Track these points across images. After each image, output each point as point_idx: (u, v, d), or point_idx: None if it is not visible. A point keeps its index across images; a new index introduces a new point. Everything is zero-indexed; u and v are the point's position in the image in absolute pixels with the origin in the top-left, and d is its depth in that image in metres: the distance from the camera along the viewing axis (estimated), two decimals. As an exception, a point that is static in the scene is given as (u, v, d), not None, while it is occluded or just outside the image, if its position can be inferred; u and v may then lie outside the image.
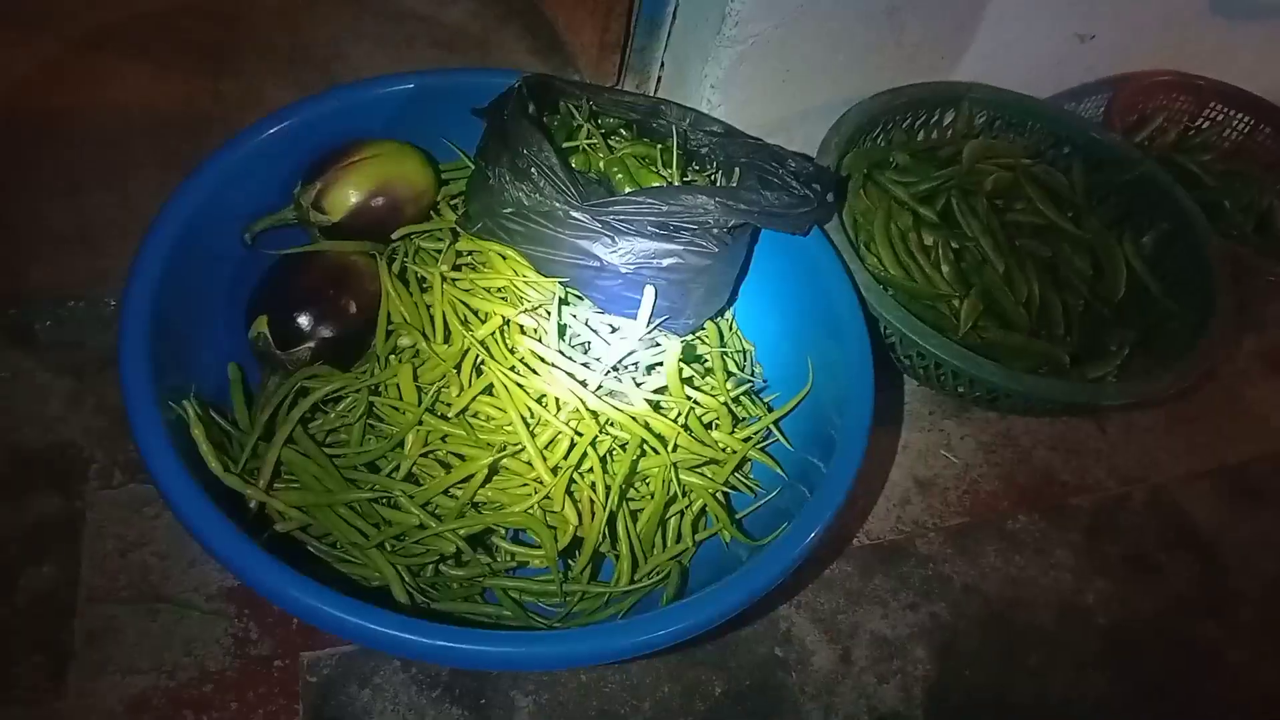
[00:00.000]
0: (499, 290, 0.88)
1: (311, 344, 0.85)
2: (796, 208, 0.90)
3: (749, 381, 0.95)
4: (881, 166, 1.14)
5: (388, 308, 0.87)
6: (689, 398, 0.86)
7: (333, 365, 0.86)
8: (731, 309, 1.01)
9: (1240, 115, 1.39)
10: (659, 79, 1.17)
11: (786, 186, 0.91)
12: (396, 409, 0.81)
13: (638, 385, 0.85)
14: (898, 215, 1.08)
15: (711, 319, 0.97)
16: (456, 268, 0.91)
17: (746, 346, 1.00)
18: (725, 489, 0.85)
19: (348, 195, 0.90)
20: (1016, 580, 0.97)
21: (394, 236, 0.92)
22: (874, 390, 0.84)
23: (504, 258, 0.89)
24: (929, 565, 0.96)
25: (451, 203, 0.97)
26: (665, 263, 0.87)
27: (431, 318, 0.85)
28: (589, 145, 0.94)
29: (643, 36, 1.13)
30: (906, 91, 1.17)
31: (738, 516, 0.88)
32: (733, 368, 0.95)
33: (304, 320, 0.85)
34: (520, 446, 0.79)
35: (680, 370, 0.86)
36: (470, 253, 0.91)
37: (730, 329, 1.00)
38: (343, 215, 0.90)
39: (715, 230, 0.88)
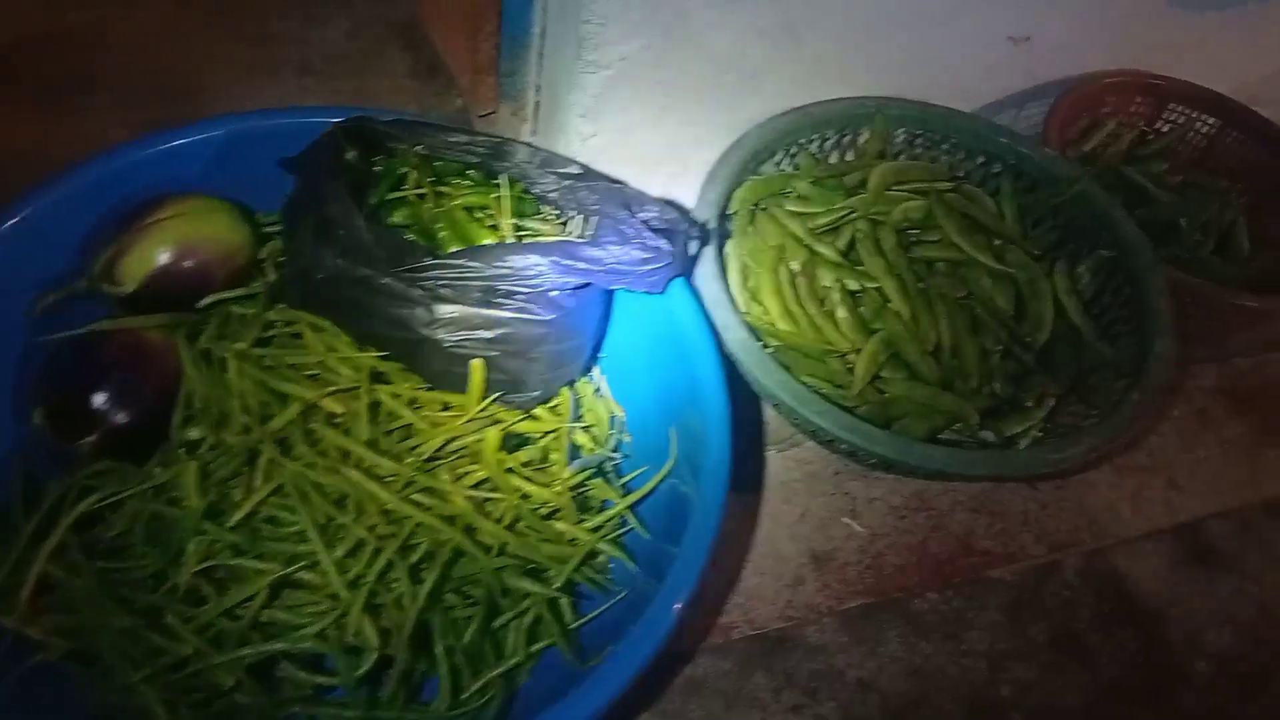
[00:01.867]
0: (309, 368, 0.80)
1: (95, 436, 0.77)
2: (648, 263, 0.81)
3: (609, 458, 0.86)
4: (780, 197, 1.04)
5: (185, 391, 0.79)
6: (518, 489, 0.77)
7: (129, 459, 0.78)
8: (600, 367, 0.92)
9: (1204, 118, 1.29)
10: (536, 106, 1.08)
11: (639, 238, 0.82)
12: (178, 514, 0.73)
13: (459, 477, 0.77)
14: (792, 254, 0.99)
15: (570, 384, 0.88)
16: (267, 341, 0.82)
17: (617, 412, 0.91)
18: (558, 594, 0.76)
19: (145, 260, 0.83)
20: (920, 672, 0.88)
21: (200, 305, 0.84)
22: (729, 468, 0.76)
23: (318, 329, 0.81)
24: (819, 657, 0.88)
25: (279, 261, 0.89)
26: (494, 333, 0.79)
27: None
28: (417, 196, 0.84)
29: (509, 60, 1.04)
30: (812, 110, 1.08)
31: (588, 617, 0.79)
32: (589, 442, 0.86)
33: (90, 407, 0.78)
34: (315, 559, 0.71)
35: (510, 458, 0.77)
36: (286, 323, 0.83)
37: (598, 392, 0.91)
38: (139, 283, 0.83)
39: (553, 293, 0.79)
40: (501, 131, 1.10)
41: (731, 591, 0.92)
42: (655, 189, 1.11)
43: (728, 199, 1.01)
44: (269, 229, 0.90)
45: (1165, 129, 1.31)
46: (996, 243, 1.05)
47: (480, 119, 1.12)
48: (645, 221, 0.84)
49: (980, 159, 1.13)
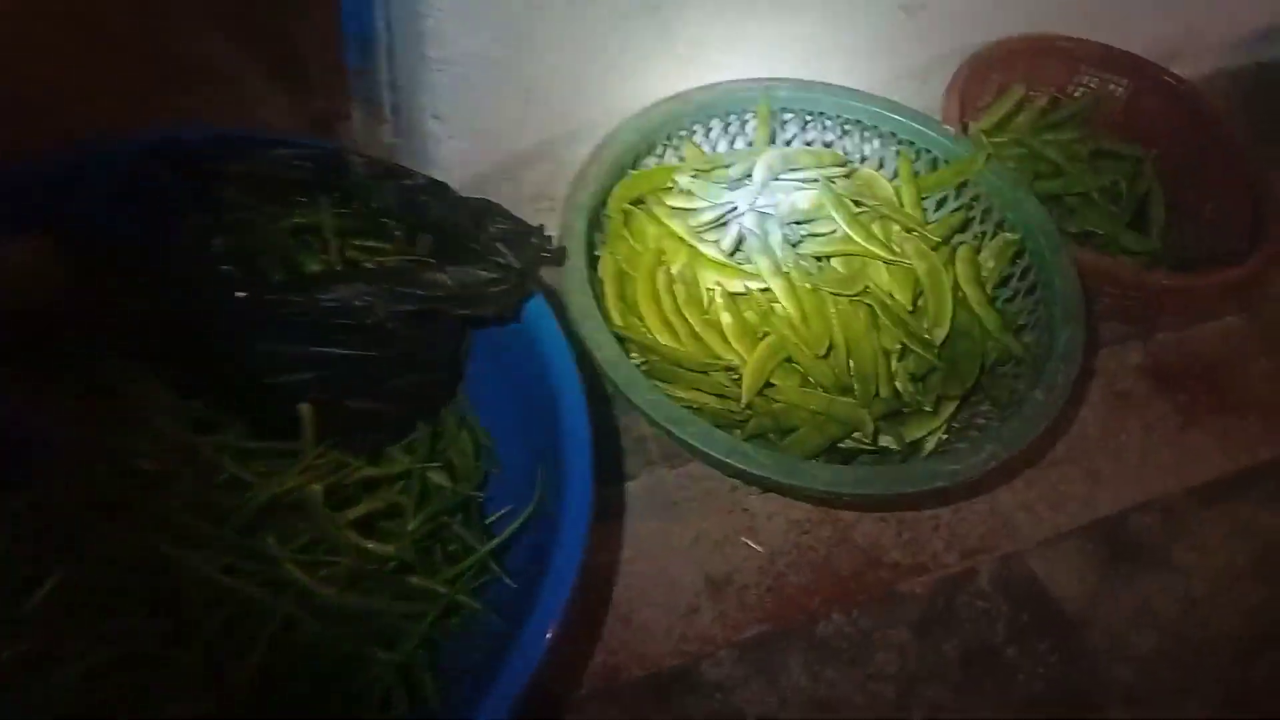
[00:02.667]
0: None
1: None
2: (497, 284, 0.74)
3: (472, 498, 0.80)
4: (661, 193, 0.97)
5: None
6: (359, 544, 0.70)
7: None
8: (466, 394, 0.85)
9: (1118, 80, 1.23)
10: (394, 107, 1.00)
11: (486, 256, 0.75)
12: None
13: (290, 537, 0.70)
14: (673, 255, 0.92)
15: (430, 419, 0.81)
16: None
17: (485, 442, 0.84)
18: (407, 658, 0.70)
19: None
20: (825, 703, 0.83)
21: None
22: (590, 504, 0.70)
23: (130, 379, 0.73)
24: (717, 695, 0.82)
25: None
26: (327, 372, 0.72)
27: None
28: (239, 221, 0.77)
29: (355, 58, 0.97)
30: (692, 97, 1.01)
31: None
32: (448, 481, 0.79)
33: None
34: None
35: (342, 514, 0.70)
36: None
37: (463, 421, 0.84)
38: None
39: (389, 324, 0.72)
40: (358, 139, 1.02)
41: (620, 628, 0.86)
42: (529, 191, 1.04)
43: (603, 199, 0.94)
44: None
45: (1078, 94, 1.25)
46: (896, 229, 0.99)
47: (335, 126, 1.03)
48: (495, 236, 0.78)
49: (876, 140, 1.06)
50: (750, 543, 0.92)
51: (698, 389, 0.87)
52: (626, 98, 0.99)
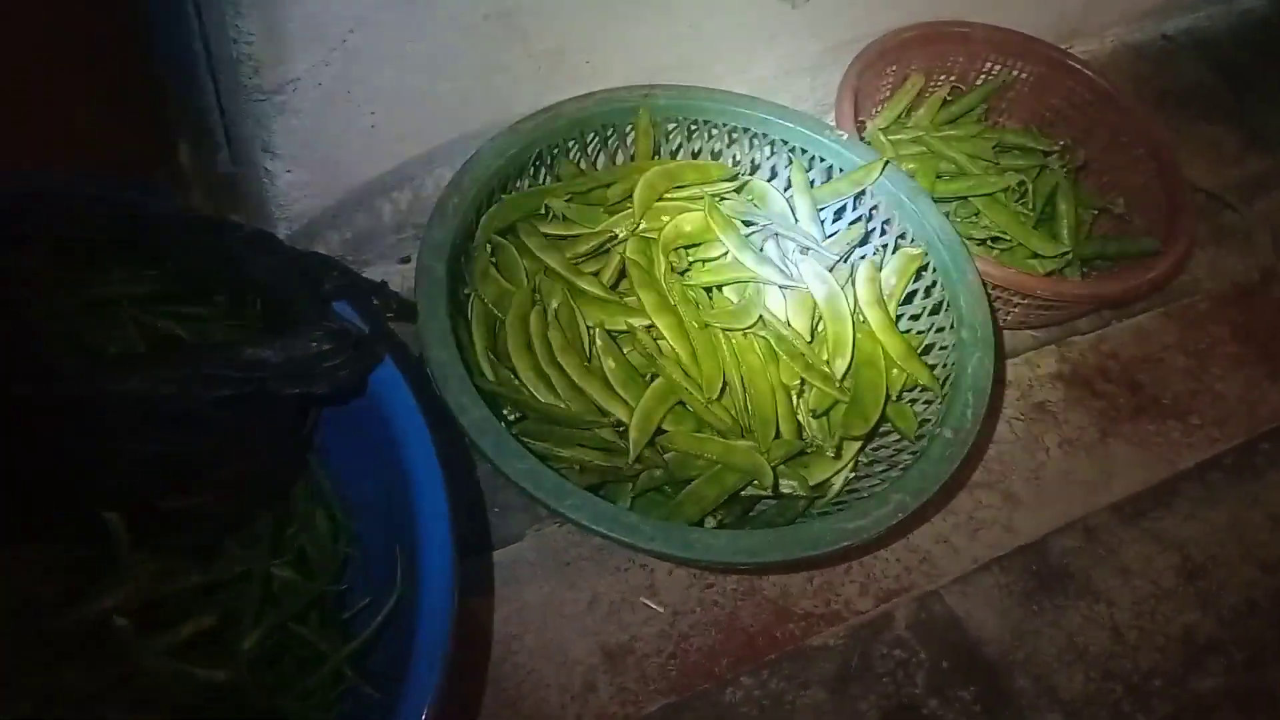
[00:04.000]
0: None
1: None
2: (329, 358, 0.66)
3: (327, 592, 0.71)
4: (535, 220, 0.89)
5: None
6: (183, 671, 0.61)
7: None
8: (321, 464, 0.76)
9: (1020, 65, 1.18)
10: (228, 139, 0.89)
11: (318, 321, 0.67)
12: None
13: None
14: (549, 293, 0.84)
15: (269, 505, 0.72)
16: None
17: (343, 521, 0.76)
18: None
19: None
20: (736, 783, 0.77)
21: None
22: (451, 592, 0.63)
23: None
24: (617, 785, 0.75)
25: None
26: (122, 475, 0.63)
27: None
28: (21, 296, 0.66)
29: (180, 86, 0.85)
30: (563, 110, 0.93)
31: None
32: (295, 576, 0.70)
33: None
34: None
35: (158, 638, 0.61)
36: None
37: (316, 497, 0.76)
38: None
39: (203, 411, 0.63)
40: (189, 174, 0.92)
41: (508, 715, 0.78)
42: (390, 221, 0.96)
43: (468, 232, 0.85)
44: None
45: (980, 82, 1.20)
46: (792, 248, 0.93)
47: (162, 161, 0.92)
48: (331, 296, 0.69)
49: (767, 147, 0.99)
50: (650, 603, 0.86)
51: (582, 445, 0.80)
52: (487, 115, 0.91)
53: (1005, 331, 1.10)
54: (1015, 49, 1.17)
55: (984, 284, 0.92)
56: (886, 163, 0.94)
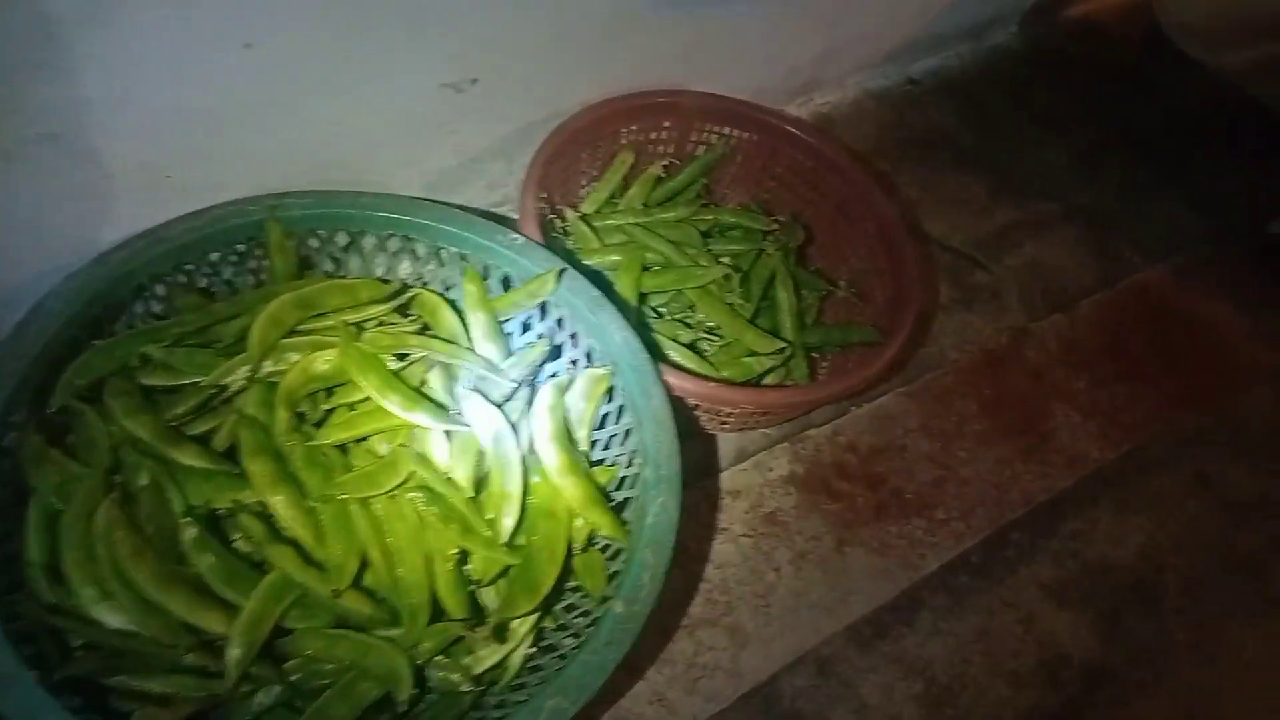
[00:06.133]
0: None
1: None
2: None
3: None
4: (129, 374, 0.74)
5: None
6: None
7: None
8: None
9: (740, 134, 1.09)
10: None
11: None
12: None
13: None
14: (134, 471, 0.69)
15: None
16: None
17: None
18: None
19: None
20: None
21: None
22: None
23: None
24: None
25: None
26: None
27: None
28: None
29: None
30: (170, 232, 0.78)
31: None
32: None
33: None
34: None
35: None
36: None
37: None
38: None
39: None
40: None
41: None
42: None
43: (36, 399, 0.69)
44: None
45: (699, 153, 1.10)
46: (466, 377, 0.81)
47: None
48: None
49: (435, 259, 0.87)
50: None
51: (172, 671, 0.65)
52: (67, 250, 0.75)
53: (735, 433, 1.01)
54: (729, 117, 1.08)
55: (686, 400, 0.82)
56: (563, 271, 0.83)
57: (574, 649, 0.69)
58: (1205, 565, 1.07)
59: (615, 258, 0.97)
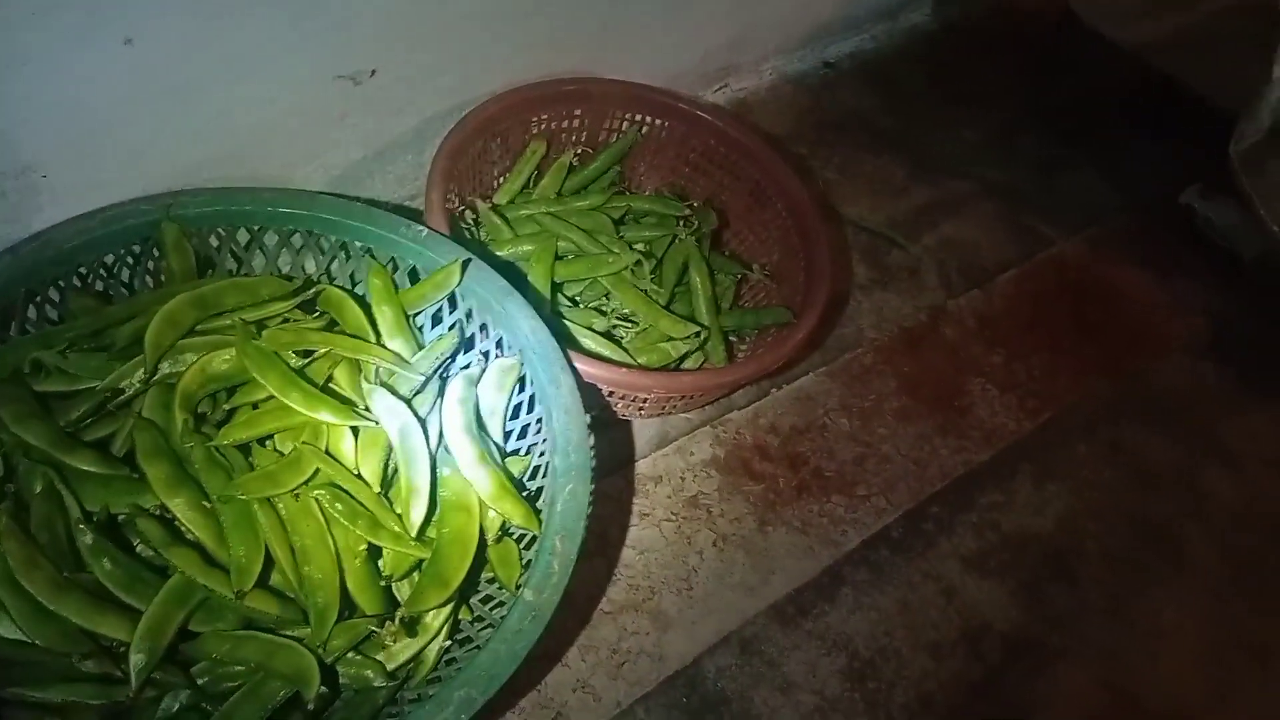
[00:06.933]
0: None
1: None
2: None
3: None
4: (20, 381, 0.72)
5: None
6: None
7: None
8: None
9: (652, 120, 1.09)
10: None
11: None
12: None
13: None
14: (29, 480, 0.68)
15: None
16: None
17: None
18: None
19: None
20: None
21: None
22: None
23: None
24: None
25: None
26: None
27: None
28: None
29: None
30: (55, 236, 0.77)
31: None
32: None
33: None
34: None
35: None
36: None
37: None
38: None
39: None
40: None
41: None
42: None
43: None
44: None
45: (614, 141, 1.10)
46: (373, 368, 0.80)
47: None
48: None
49: (341, 252, 0.86)
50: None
51: (68, 679, 0.64)
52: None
53: (656, 419, 1.01)
54: (641, 103, 1.08)
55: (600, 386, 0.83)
56: (468, 261, 0.83)
57: (489, 641, 0.69)
58: (1121, 534, 1.10)
59: (528, 247, 0.97)
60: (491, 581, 0.78)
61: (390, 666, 0.71)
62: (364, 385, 0.79)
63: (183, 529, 0.70)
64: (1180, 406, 1.25)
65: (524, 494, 0.78)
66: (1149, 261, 1.39)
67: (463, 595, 0.75)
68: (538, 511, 0.77)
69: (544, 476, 0.79)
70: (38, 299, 0.78)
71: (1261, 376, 1.30)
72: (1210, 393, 1.28)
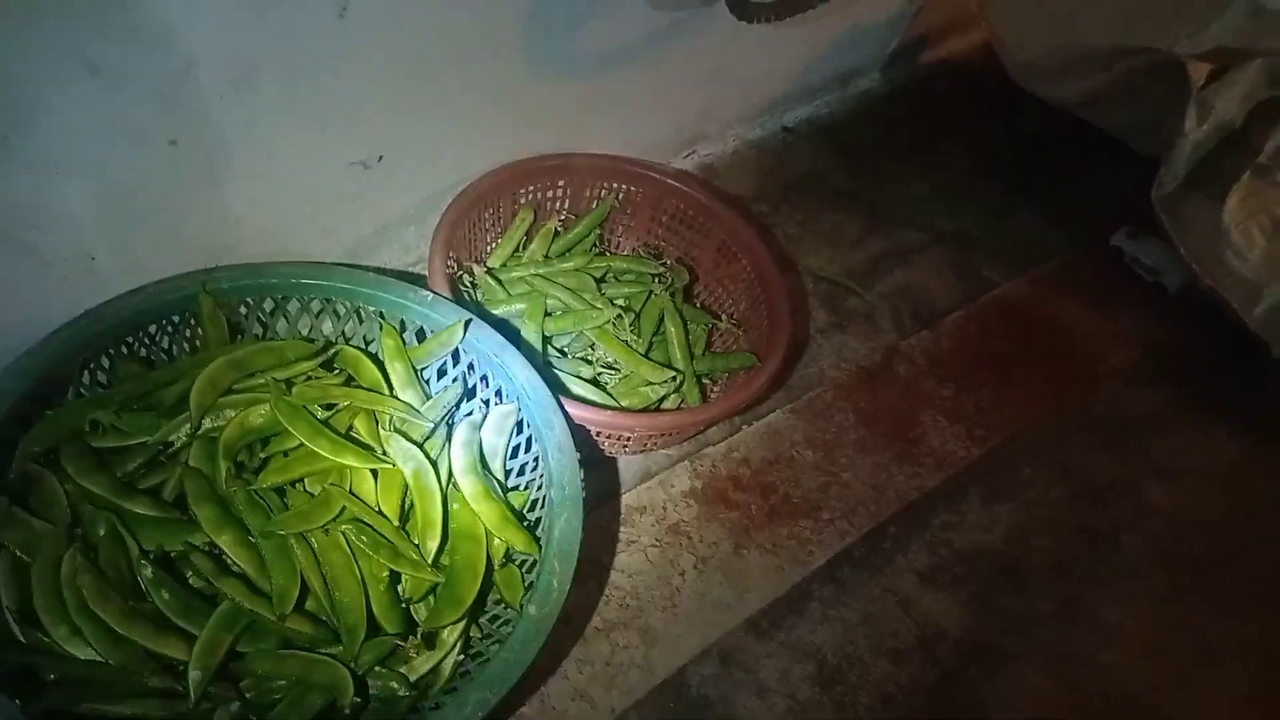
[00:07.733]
0: None
1: None
2: None
3: None
4: (81, 440, 0.82)
5: None
6: None
7: None
8: None
9: (627, 188, 1.22)
10: None
11: None
12: None
13: None
14: (93, 523, 0.78)
15: None
16: None
17: None
18: None
19: None
20: None
21: None
22: None
23: None
24: None
25: None
26: None
27: None
28: None
29: None
30: (107, 311, 0.88)
31: None
32: None
33: None
34: None
35: None
36: None
37: None
38: None
39: None
40: None
41: None
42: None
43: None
44: None
45: (595, 207, 1.22)
46: (388, 419, 0.91)
47: None
48: None
49: (354, 317, 0.97)
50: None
51: (137, 695, 0.74)
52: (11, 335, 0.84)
53: (638, 455, 1.12)
54: (617, 173, 1.21)
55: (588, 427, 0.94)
56: (469, 321, 0.94)
57: (499, 651, 0.80)
58: (1067, 543, 1.20)
59: (520, 306, 1.08)
60: (498, 603, 0.88)
61: (413, 678, 0.81)
62: (381, 433, 0.90)
63: (229, 562, 0.80)
64: (1119, 428, 1.36)
65: (525, 524, 0.89)
66: (1087, 296, 1.51)
67: (473, 615, 0.86)
68: (537, 539, 0.87)
69: (542, 508, 0.89)
70: (91, 366, 0.88)
71: (1194, 396, 1.41)
72: (1147, 414, 1.39)
